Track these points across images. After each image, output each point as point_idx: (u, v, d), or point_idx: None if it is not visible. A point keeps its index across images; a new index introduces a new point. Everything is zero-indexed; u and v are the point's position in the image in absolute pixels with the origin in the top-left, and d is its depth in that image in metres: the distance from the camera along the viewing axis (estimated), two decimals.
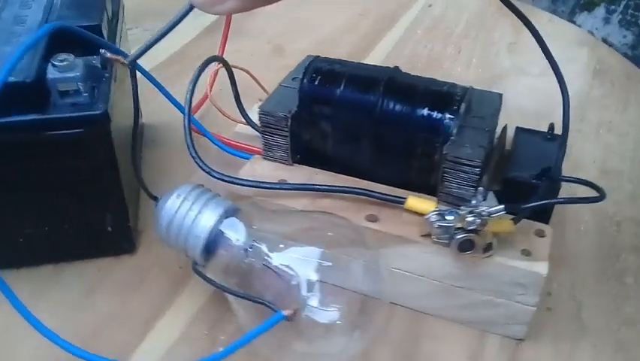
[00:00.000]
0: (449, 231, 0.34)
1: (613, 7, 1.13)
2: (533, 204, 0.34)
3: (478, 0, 0.80)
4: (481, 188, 0.35)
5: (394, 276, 0.38)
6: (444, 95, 0.38)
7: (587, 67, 0.66)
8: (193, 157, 0.39)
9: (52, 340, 0.32)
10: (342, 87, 0.39)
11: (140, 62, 0.36)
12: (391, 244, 0.37)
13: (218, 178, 0.38)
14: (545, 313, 0.39)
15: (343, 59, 0.43)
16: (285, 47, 0.69)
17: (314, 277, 0.34)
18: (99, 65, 0.38)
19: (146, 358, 0.36)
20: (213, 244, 0.35)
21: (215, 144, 0.44)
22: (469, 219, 0.32)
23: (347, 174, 0.41)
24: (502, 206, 0.33)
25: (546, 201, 0.34)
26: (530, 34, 0.35)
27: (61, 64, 0.34)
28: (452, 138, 0.37)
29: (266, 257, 0.34)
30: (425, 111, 0.37)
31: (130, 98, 0.36)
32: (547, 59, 0.36)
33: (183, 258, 0.36)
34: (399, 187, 0.40)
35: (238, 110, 0.45)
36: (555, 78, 0.36)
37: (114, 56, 0.34)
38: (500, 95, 0.41)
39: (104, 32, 0.41)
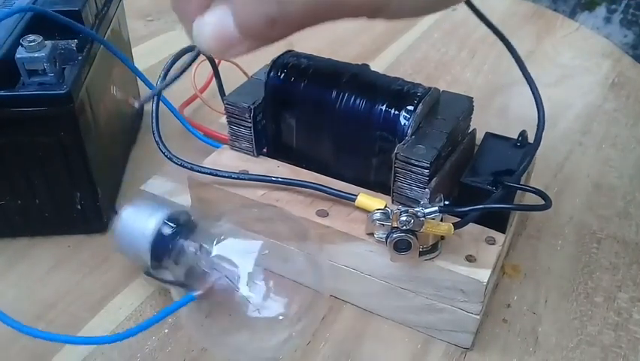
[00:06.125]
0: (388, 230, 0.33)
1: (614, 6, 1.07)
2: (470, 208, 0.33)
3: (506, 6, 0.78)
4: (427, 189, 0.35)
5: (343, 273, 0.37)
6: (403, 95, 0.37)
7: (606, 79, 0.63)
8: (157, 142, 0.40)
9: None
10: (305, 82, 0.39)
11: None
12: (338, 240, 0.36)
13: (178, 164, 0.39)
14: (500, 324, 0.38)
15: (351, 58, 0.43)
16: (297, 44, 0.69)
17: (252, 269, 0.34)
18: (74, 48, 0.40)
19: (94, 333, 0.37)
20: (162, 248, 0.36)
21: (183, 124, 0.45)
22: (403, 218, 0.32)
23: (312, 169, 0.41)
24: (437, 208, 0.32)
25: (482, 206, 0.33)
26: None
27: (29, 44, 0.36)
28: (408, 137, 0.37)
29: (211, 257, 0.35)
30: (382, 109, 0.37)
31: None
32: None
33: None
34: (361, 185, 0.40)
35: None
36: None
37: None
38: (470, 99, 0.40)
39: (89, 18, 0.42)
